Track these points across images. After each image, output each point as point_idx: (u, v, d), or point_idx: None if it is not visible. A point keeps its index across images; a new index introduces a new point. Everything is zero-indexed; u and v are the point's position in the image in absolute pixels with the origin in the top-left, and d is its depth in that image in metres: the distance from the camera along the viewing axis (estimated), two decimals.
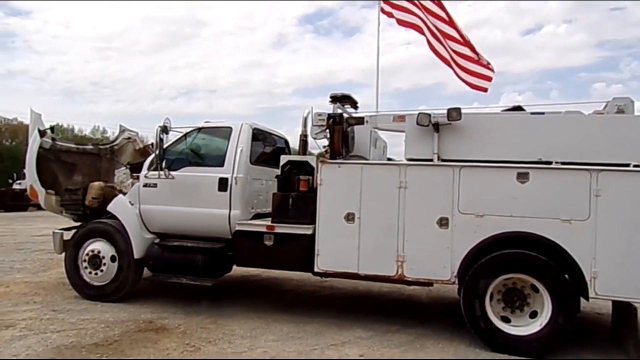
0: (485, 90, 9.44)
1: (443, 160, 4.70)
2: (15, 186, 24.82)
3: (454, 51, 9.21)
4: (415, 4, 9.01)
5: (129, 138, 7.73)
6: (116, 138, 8.07)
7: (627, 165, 4.22)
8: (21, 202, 22.61)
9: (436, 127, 4.68)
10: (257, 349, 4.34)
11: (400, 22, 9.29)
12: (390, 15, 9.19)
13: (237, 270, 7.11)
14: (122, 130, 8.09)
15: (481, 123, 4.69)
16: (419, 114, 4.69)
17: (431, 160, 4.72)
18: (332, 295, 6.70)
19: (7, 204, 23.14)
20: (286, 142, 7.04)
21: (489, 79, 9.51)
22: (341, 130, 5.01)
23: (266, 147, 6.38)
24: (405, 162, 4.85)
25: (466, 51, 9.30)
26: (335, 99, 5.97)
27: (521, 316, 4.54)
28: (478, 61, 9.30)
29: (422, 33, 9.16)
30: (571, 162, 4.35)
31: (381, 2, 8.95)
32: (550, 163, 4.41)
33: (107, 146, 7.83)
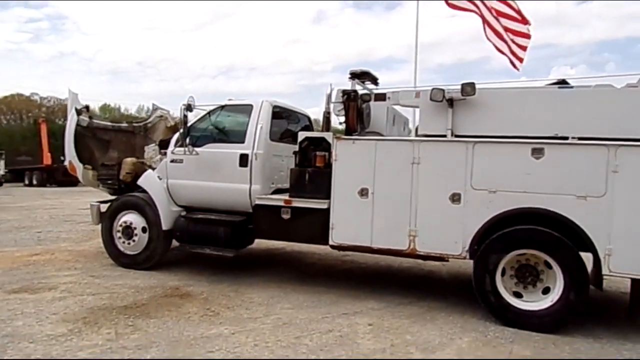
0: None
1: (457, 136, 4.69)
2: (66, 163, 26.36)
3: (506, 28, 9.06)
4: None
5: (161, 116, 8.08)
6: (149, 116, 8.47)
7: None
8: (71, 177, 23.99)
9: (450, 102, 4.66)
10: (272, 316, 4.59)
11: (451, 5, 9.15)
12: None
13: (262, 243, 7.45)
14: (155, 108, 8.46)
15: (496, 98, 4.62)
16: (433, 89, 4.67)
17: (445, 136, 4.72)
18: (351, 269, 6.88)
19: (58, 179, 24.68)
20: (309, 119, 7.16)
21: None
22: (356, 107, 5.07)
23: (288, 125, 6.53)
24: (419, 137, 4.86)
25: (516, 26, 9.11)
26: (354, 75, 5.99)
27: (533, 292, 4.54)
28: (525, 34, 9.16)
29: (478, 14, 9.03)
30: (588, 137, 4.24)
31: None
32: (566, 138, 4.32)
33: (141, 124, 8.24)
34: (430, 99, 4.67)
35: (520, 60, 9.76)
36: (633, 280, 4.50)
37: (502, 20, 9.46)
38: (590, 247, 4.20)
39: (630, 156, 4.07)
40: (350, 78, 5.97)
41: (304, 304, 5.01)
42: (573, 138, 4.29)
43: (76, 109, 6.76)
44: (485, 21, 9.61)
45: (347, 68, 5.73)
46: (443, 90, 4.62)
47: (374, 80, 6.34)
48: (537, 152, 4.36)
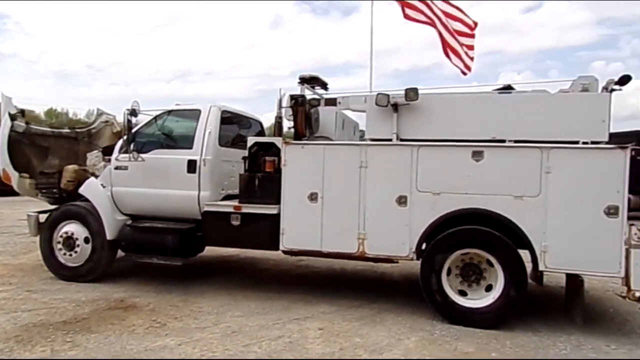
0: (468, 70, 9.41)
1: (402, 140, 4.80)
2: None
3: (457, 31, 9.16)
4: None
5: (107, 121, 7.78)
6: (94, 121, 8.13)
7: (577, 142, 4.33)
8: (6, 187, 22.58)
9: (395, 107, 4.76)
10: (221, 324, 4.50)
11: (408, 17, 9.13)
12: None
13: (214, 250, 7.30)
14: (100, 113, 8.15)
15: (438, 103, 4.77)
16: (378, 94, 4.77)
17: (390, 140, 4.82)
18: (305, 274, 6.87)
19: None
20: (261, 124, 7.11)
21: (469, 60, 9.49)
22: (304, 112, 5.08)
23: (239, 130, 6.46)
24: (366, 142, 4.94)
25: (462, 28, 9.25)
26: (303, 80, 6.04)
27: (477, 289, 4.71)
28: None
29: (433, 25, 9.05)
30: (524, 140, 4.46)
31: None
32: (504, 141, 4.52)
33: (85, 130, 7.89)
34: (376, 104, 4.76)
35: (471, 59, 9.79)
36: (568, 275, 4.77)
37: (451, 23, 9.52)
38: (528, 245, 4.40)
39: (562, 158, 4.32)
40: (299, 83, 6.01)
41: (255, 311, 4.95)
42: (510, 141, 4.49)
43: (10, 114, 6.38)
44: (440, 34, 9.58)
45: (305, 72, 5.75)
46: (388, 95, 4.72)
47: (324, 85, 6.40)
48: (477, 155, 4.53)
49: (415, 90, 4.65)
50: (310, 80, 6.06)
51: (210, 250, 7.34)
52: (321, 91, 6.47)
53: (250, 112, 6.82)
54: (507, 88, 5.44)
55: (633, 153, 4.21)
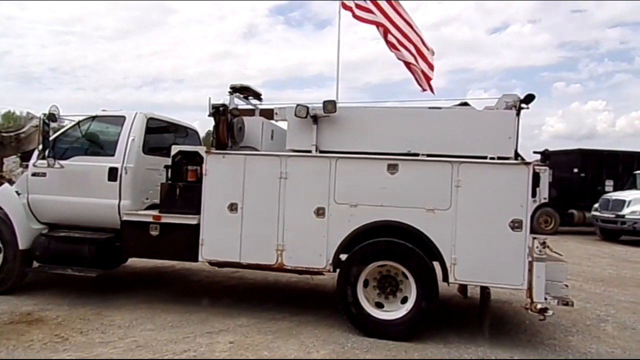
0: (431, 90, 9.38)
1: (321, 152, 4.82)
2: None
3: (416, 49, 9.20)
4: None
5: (37, 126, 7.48)
6: (23, 125, 7.82)
7: (485, 157, 4.46)
8: None
9: (314, 119, 4.78)
10: (127, 339, 4.34)
11: (358, 18, 9.15)
12: (349, 9, 9.09)
13: (151, 261, 7.12)
14: (30, 117, 7.86)
15: (356, 116, 4.83)
16: (297, 105, 4.78)
17: (310, 151, 4.83)
18: (236, 285, 6.76)
19: None
20: (197, 133, 7.01)
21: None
22: (226, 121, 5.03)
23: (167, 138, 6.33)
24: (286, 153, 4.93)
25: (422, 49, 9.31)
26: (234, 89, 5.99)
27: (394, 302, 4.74)
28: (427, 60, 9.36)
29: (384, 29, 9.06)
30: (436, 154, 4.56)
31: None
32: (417, 155, 4.60)
33: (12, 134, 7.57)
34: (295, 115, 4.77)
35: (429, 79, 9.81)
36: (481, 287, 4.88)
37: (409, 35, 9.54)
38: (439, 257, 4.48)
39: (470, 172, 4.43)
40: (229, 93, 5.96)
41: (169, 324, 4.81)
42: (423, 155, 4.58)
43: None
44: (387, 31, 9.57)
45: (278, 83, 5.79)
46: (307, 107, 4.74)
47: (257, 96, 6.37)
48: (392, 168, 4.60)
49: (333, 102, 4.69)
50: (240, 90, 6.01)
51: (144, 261, 7.17)
52: (255, 101, 6.46)
53: (186, 121, 6.74)
54: (464, 104, 5.60)
55: (536, 169, 4.37)
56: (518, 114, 4.74)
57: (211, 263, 5.17)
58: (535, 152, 21.18)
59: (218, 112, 4.96)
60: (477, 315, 5.07)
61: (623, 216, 14.28)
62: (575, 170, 17.83)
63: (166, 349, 4.12)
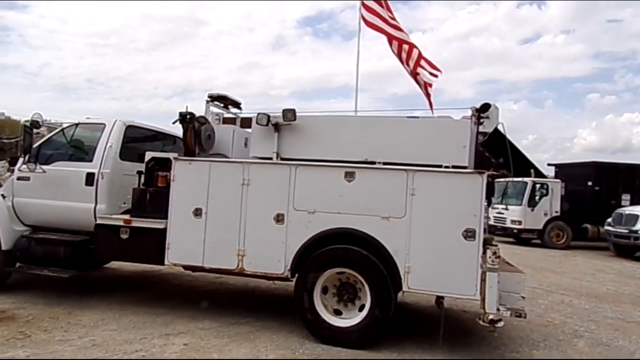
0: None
1: (283, 159, 4.90)
2: None
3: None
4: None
5: (38, 133, 7.83)
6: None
7: (440, 166, 4.45)
8: None
9: (276, 127, 4.88)
10: (86, 338, 4.48)
11: (374, 27, 9.14)
12: (368, 23, 9.15)
13: (137, 265, 7.29)
14: None
15: (316, 124, 4.90)
16: (258, 114, 4.89)
17: (271, 158, 4.92)
18: (214, 290, 6.86)
19: None
20: (176, 140, 7.20)
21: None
22: (193, 129, 5.18)
23: (147, 145, 6.52)
24: (249, 160, 5.04)
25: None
26: (211, 98, 6.18)
27: (352, 309, 4.75)
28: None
29: (395, 39, 9.08)
30: (392, 162, 4.58)
31: (362, 8, 8.99)
32: (374, 163, 4.63)
33: (13, 140, 7.95)
34: (256, 123, 4.88)
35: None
36: (438, 297, 4.83)
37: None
38: (393, 265, 4.47)
39: (425, 181, 4.43)
40: (206, 101, 6.15)
41: (132, 325, 4.94)
42: (379, 163, 4.61)
43: None
44: (393, 39, 9.48)
45: (305, 94, 5.97)
46: (268, 115, 4.84)
47: (236, 104, 6.54)
48: (349, 176, 4.63)
49: (292, 111, 4.78)
50: (218, 99, 6.19)
51: (132, 265, 7.35)
52: (235, 110, 6.62)
53: (168, 129, 6.93)
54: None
55: (490, 178, 4.33)
56: (480, 124, 4.73)
57: (186, 267, 5.28)
58: (549, 165, 20.81)
59: (185, 120, 5.11)
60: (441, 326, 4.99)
61: (636, 231, 13.77)
62: (590, 183, 17.32)
63: (119, 349, 4.24)
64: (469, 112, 5.33)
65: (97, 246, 5.46)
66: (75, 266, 5.59)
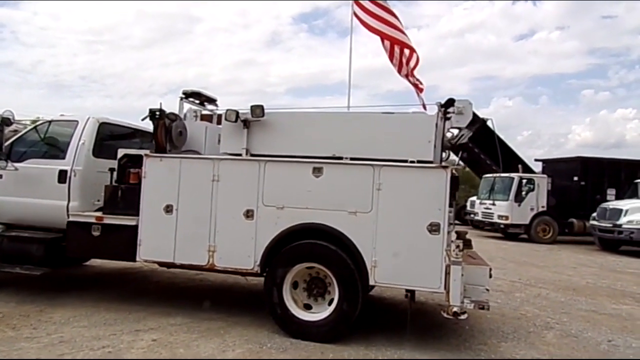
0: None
1: (252, 155, 4.92)
2: None
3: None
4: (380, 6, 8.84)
5: (16, 130, 7.79)
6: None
7: (405, 161, 4.49)
8: None
9: (245, 123, 4.90)
10: (55, 335, 4.49)
11: (367, 27, 8.96)
12: (364, 23, 9.00)
13: (118, 262, 7.28)
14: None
15: (284, 120, 4.92)
16: (227, 110, 4.90)
17: (241, 155, 4.94)
18: (192, 287, 6.88)
19: None
20: None
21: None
22: (163, 125, 5.19)
23: (124, 142, 6.52)
24: (219, 156, 5.05)
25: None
26: (186, 95, 6.17)
27: (322, 304, 4.78)
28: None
29: (388, 38, 8.93)
30: (360, 158, 4.61)
31: (354, 5, 8.89)
32: (342, 159, 4.66)
33: None
34: (225, 120, 4.89)
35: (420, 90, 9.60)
36: (406, 291, 4.88)
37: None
38: (360, 260, 4.51)
39: (390, 175, 4.47)
40: (180, 98, 6.14)
41: (103, 322, 4.95)
42: (346, 158, 4.64)
43: None
44: (388, 39, 9.33)
45: (300, 91, 5.87)
46: (236, 111, 4.85)
47: (211, 101, 6.53)
48: (317, 171, 4.66)
49: (261, 107, 4.79)
50: (192, 95, 6.18)
51: (113, 262, 7.34)
52: (211, 107, 6.62)
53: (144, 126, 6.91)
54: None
55: (454, 172, 4.38)
56: (447, 119, 4.76)
57: (160, 264, 5.30)
58: (536, 160, 20.95)
59: (154, 116, 5.12)
60: (412, 319, 5.04)
61: (620, 225, 13.92)
62: (576, 178, 17.47)
63: (86, 345, 4.25)
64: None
65: (69, 243, 5.46)
66: (48, 264, 5.59)
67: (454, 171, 4.40)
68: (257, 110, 4.77)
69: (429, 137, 4.48)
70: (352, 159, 4.63)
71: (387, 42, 9.07)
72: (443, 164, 4.46)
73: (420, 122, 4.57)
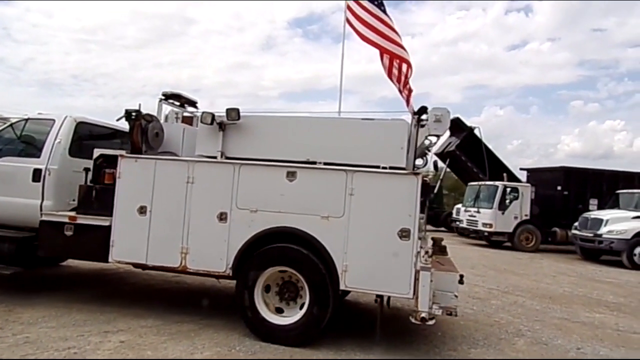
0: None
1: (227, 158, 4.93)
2: None
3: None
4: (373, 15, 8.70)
5: None
6: None
7: (378, 167, 4.53)
8: None
9: (221, 126, 4.90)
10: (21, 335, 4.44)
11: (362, 37, 8.80)
12: (351, 25, 8.87)
13: (95, 263, 7.21)
14: None
15: (260, 124, 4.94)
16: (203, 112, 4.91)
17: (216, 157, 4.94)
18: (168, 289, 6.85)
19: None
20: None
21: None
22: (140, 126, 5.18)
23: (104, 142, 6.48)
24: (193, 158, 5.05)
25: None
26: (166, 96, 6.17)
27: (294, 307, 4.79)
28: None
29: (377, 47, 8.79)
30: (333, 162, 4.64)
31: (347, 11, 8.80)
32: (315, 163, 4.68)
33: None
34: (201, 122, 4.90)
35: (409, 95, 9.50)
36: (377, 296, 4.89)
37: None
38: (331, 264, 4.52)
39: (363, 181, 4.50)
40: (160, 100, 6.14)
41: (74, 322, 4.91)
42: (320, 163, 4.66)
43: None
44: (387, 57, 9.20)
45: (293, 95, 5.87)
46: (212, 114, 4.86)
47: (192, 103, 6.54)
48: (291, 175, 4.68)
49: (236, 110, 4.81)
50: (171, 97, 6.19)
51: (90, 263, 7.27)
52: (192, 109, 6.62)
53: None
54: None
55: (425, 179, 4.42)
56: (421, 126, 4.81)
57: (135, 265, 5.27)
58: (521, 169, 21.18)
59: (130, 117, 5.10)
60: (387, 324, 5.07)
61: (600, 235, 14.10)
62: (559, 188, 17.69)
63: (51, 346, 4.21)
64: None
65: (41, 243, 5.41)
66: (19, 263, 5.52)
67: (425, 178, 4.44)
68: (233, 114, 4.79)
69: (402, 143, 4.53)
70: (325, 163, 4.65)
71: (385, 58, 8.90)
72: (414, 170, 4.50)
73: (392, 128, 4.61)
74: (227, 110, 4.80)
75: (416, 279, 4.30)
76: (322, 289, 4.55)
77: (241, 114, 4.82)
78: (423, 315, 4.22)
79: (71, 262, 7.69)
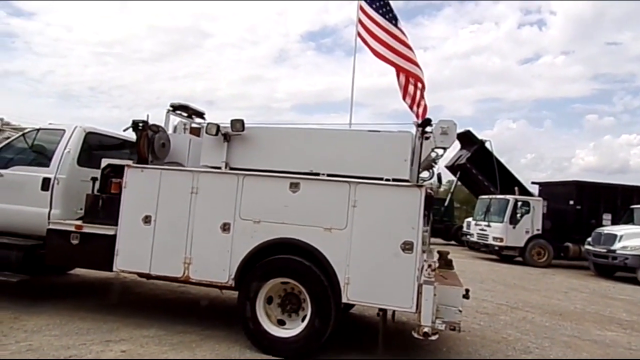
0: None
1: (232, 169, 4.95)
2: None
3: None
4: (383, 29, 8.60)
5: (8, 138, 7.88)
6: None
7: (381, 179, 4.51)
8: None
9: (226, 137, 4.94)
10: (24, 342, 4.45)
11: (375, 53, 8.79)
12: (365, 41, 8.75)
13: (101, 272, 7.24)
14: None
15: (264, 135, 4.96)
16: (208, 123, 4.96)
17: (220, 168, 4.97)
18: (172, 299, 6.85)
19: None
20: None
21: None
22: (146, 137, 5.24)
23: (113, 152, 6.56)
24: (198, 168, 5.08)
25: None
26: (174, 108, 6.26)
27: (296, 320, 4.75)
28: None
29: (393, 65, 8.78)
30: (337, 174, 4.63)
31: (359, 25, 8.71)
32: (318, 174, 4.68)
33: None
34: (206, 133, 4.94)
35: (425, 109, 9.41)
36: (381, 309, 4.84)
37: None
38: (333, 276, 4.49)
39: (366, 193, 4.48)
40: (168, 111, 6.23)
41: (77, 331, 4.92)
42: (323, 174, 4.66)
43: None
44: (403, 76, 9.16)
45: (306, 108, 5.92)
46: (217, 125, 4.91)
47: (199, 114, 6.61)
48: (294, 186, 4.68)
49: (241, 121, 4.84)
50: (179, 108, 6.26)
51: (98, 272, 7.30)
52: (199, 120, 6.69)
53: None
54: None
55: (429, 192, 4.38)
56: (426, 138, 4.79)
57: (139, 275, 5.29)
58: (533, 183, 20.93)
59: (137, 127, 5.17)
60: (391, 339, 5.00)
61: (614, 251, 13.80)
62: (571, 202, 17.42)
63: (52, 354, 4.22)
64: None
65: (48, 251, 5.46)
66: (26, 271, 5.58)
67: (429, 190, 4.41)
68: (237, 125, 4.82)
69: (405, 155, 4.51)
70: (329, 175, 4.65)
71: (402, 77, 8.80)
72: (418, 183, 4.47)
73: (397, 140, 4.60)
74: (232, 121, 4.84)
75: (419, 293, 4.24)
76: (324, 301, 4.51)
77: (246, 125, 4.86)
78: (426, 330, 4.15)
79: (78, 271, 7.75)
